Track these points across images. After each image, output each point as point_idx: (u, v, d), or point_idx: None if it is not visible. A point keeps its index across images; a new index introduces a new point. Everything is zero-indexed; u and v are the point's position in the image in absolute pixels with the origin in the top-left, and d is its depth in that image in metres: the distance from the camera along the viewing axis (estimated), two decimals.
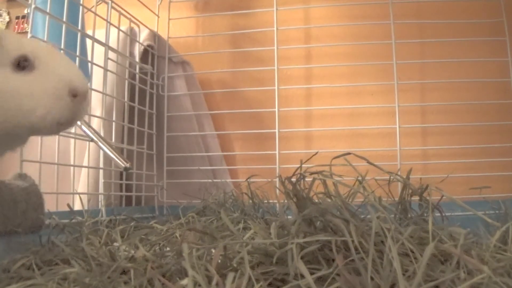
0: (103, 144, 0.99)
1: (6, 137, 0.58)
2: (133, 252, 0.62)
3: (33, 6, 0.89)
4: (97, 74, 1.12)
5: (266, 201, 1.01)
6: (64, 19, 0.96)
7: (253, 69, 1.49)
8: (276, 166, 1.32)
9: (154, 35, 1.41)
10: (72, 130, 1.00)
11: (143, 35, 1.38)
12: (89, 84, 1.08)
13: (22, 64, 0.55)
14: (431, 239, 0.49)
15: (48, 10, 0.92)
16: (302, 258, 0.45)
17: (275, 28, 1.39)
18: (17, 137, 0.61)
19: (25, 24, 2.14)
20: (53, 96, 0.55)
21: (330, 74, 1.48)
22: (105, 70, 1.11)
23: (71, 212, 0.91)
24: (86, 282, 0.50)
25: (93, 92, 1.07)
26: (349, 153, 0.62)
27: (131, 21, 1.33)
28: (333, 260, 0.45)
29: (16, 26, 2.17)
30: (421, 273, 0.39)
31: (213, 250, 0.49)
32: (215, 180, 1.34)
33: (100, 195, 1.09)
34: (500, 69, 1.30)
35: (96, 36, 1.08)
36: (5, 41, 0.55)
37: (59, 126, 0.58)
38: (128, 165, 0.96)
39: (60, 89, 0.55)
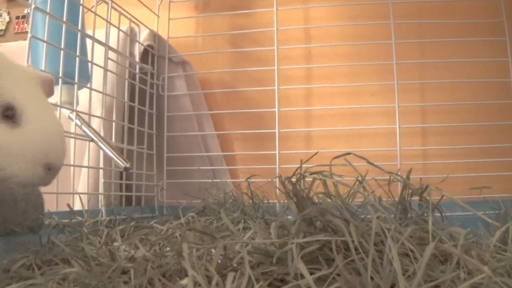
0: (103, 144, 0.99)
1: None
2: (133, 252, 0.62)
3: (33, 6, 0.89)
4: (97, 74, 1.12)
5: (266, 201, 1.01)
6: (64, 19, 0.96)
7: (253, 69, 1.49)
8: (276, 166, 1.32)
9: (154, 35, 1.41)
10: (72, 130, 1.00)
11: (143, 35, 1.38)
12: (89, 84, 1.08)
13: (7, 113, 0.52)
14: (431, 239, 0.49)
15: (48, 10, 0.92)
16: (302, 258, 0.45)
17: (275, 28, 1.39)
18: None
19: (25, 24, 2.14)
20: (28, 163, 0.52)
21: (330, 74, 1.48)
22: (105, 70, 1.11)
23: (71, 212, 0.91)
24: (86, 282, 0.50)
25: (93, 92, 1.07)
26: (349, 153, 0.62)
27: (131, 21, 1.33)
28: (333, 260, 0.45)
29: (16, 26, 2.17)
30: (421, 273, 0.39)
31: (213, 250, 0.49)
32: (215, 180, 1.34)
33: (100, 195, 1.09)
34: (500, 69, 1.30)
35: (96, 36, 1.08)
36: None
37: (22, 188, 0.57)
38: (128, 165, 0.96)
39: (37, 159, 0.53)
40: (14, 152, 0.51)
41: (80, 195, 1.02)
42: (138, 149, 1.27)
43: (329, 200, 0.58)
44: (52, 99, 0.98)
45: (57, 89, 0.97)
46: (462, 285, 0.39)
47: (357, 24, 1.44)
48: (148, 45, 1.37)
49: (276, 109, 1.35)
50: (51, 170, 0.55)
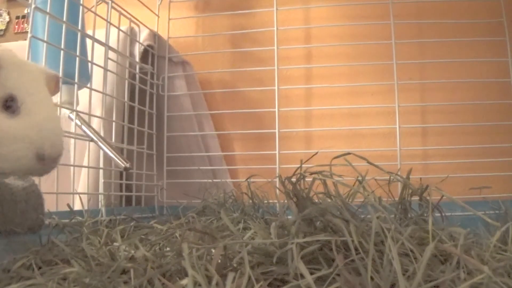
0: (103, 144, 0.99)
1: None
2: (133, 252, 0.62)
3: (33, 6, 0.89)
4: (97, 74, 1.12)
5: (266, 201, 1.01)
6: (64, 19, 0.96)
7: (253, 69, 1.49)
8: (276, 166, 1.32)
9: (154, 35, 1.41)
10: (72, 130, 1.00)
11: (143, 35, 1.38)
12: (89, 84, 1.08)
13: (8, 103, 0.54)
14: (431, 239, 0.49)
15: (48, 10, 0.92)
16: (302, 258, 0.45)
17: (275, 28, 1.39)
18: None
19: (25, 24, 2.14)
20: (20, 150, 0.54)
21: (330, 74, 1.48)
22: (105, 70, 1.11)
23: (71, 212, 0.91)
24: (86, 282, 0.50)
25: (93, 92, 1.07)
26: (349, 153, 0.62)
27: (131, 21, 1.33)
28: (333, 260, 0.45)
29: (16, 26, 2.17)
30: (421, 273, 0.39)
31: (213, 250, 0.49)
32: (215, 180, 1.34)
33: (100, 195, 1.09)
34: (500, 69, 1.30)
35: (96, 36, 1.08)
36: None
37: (15, 174, 0.60)
38: (128, 165, 0.96)
39: (28, 150, 0.54)
40: (8, 139, 0.53)
41: (80, 195, 1.02)
42: (138, 149, 1.27)
43: (329, 200, 0.58)
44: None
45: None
46: (462, 285, 0.39)
47: (357, 24, 1.44)
48: (148, 45, 1.37)
49: (276, 109, 1.35)
50: (44, 161, 0.56)
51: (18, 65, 0.57)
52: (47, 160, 0.56)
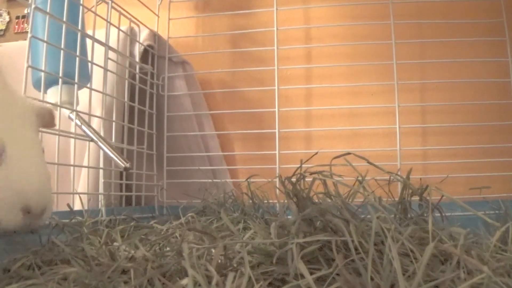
0: (103, 144, 0.99)
1: None
2: (133, 252, 0.62)
3: (33, 6, 0.89)
4: (97, 74, 1.12)
5: (266, 201, 1.01)
6: (64, 19, 0.96)
7: (253, 69, 1.49)
8: (276, 166, 1.32)
9: (154, 35, 1.41)
10: (72, 130, 1.00)
11: (143, 35, 1.38)
12: (89, 84, 1.09)
13: None
14: (431, 239, 0.49)
15: (48, 10, 0.92)
16: (302, 258, 0.45)
17: (275, 28, 1.39)
18: None
19: (25, 24, 2.14)
20: (4, 207, 0.50)
21: (330, 74, 1.48)
22: (105, 70, 1.11)
23: (71, 212, 0.91)
24: (86, 282, 0.50)
25: (93, 92, 1.07)
26: (349, 153, 0.62)
27: (131, 21, 1.33)
28: (333, 260, 0.45)
29: (16, 26, 2.17)
30: (421, 273, 0.39)
31: (213, 250, 0.49)
32: (215, 180, 1.34)
33: (100, 195, 1.09)
34: (500, 69, 1.30)
35: (96, 36, 1.08)
36: None
37: (11, 232, 0.55)
38: (128, 165, 0.96)
39: (13, 203, 0.51)
40: None
41: (80, 195, 1.02)
42: (138, 149, 1.26)
43: (329, 200, 0.58)
44: (52, 99, 0.99)
45: (57, 89, 0.97)
46: (462, 285, 0.39)
47: (357, 24, 1.44)
48: (148, 45, 1.37)
49: (276, 109, 1.35)
50: (30, 214, 0.53)
51: (4, 106, 0.53)
52: (33, 214, 0.53)
